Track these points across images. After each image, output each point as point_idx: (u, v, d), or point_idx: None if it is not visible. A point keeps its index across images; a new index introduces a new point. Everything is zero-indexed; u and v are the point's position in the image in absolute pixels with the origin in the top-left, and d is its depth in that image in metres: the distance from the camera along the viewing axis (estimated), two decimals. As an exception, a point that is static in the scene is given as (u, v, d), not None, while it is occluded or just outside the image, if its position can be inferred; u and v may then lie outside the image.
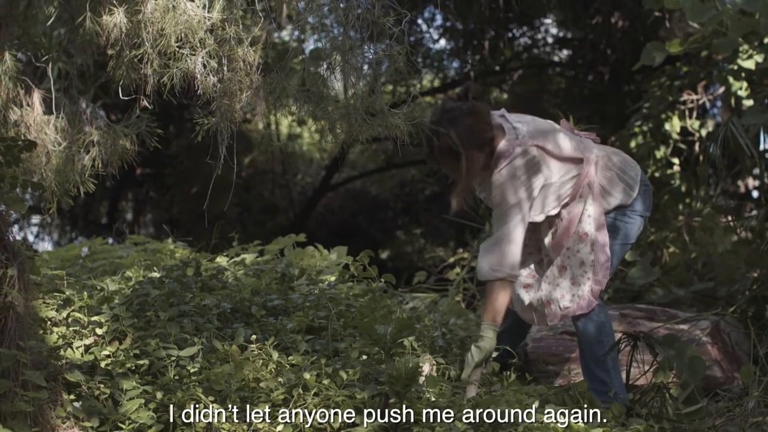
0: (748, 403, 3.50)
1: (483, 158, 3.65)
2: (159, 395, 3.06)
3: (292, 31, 10.21)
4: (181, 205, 12.48)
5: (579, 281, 3.68)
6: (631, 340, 4.02)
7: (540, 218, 3.69)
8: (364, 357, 3.54)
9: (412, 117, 3.30)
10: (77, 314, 3.46)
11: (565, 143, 3.70)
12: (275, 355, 3.36)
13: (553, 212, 3.71)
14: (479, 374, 3.60)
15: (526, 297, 3.79)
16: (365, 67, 3.38)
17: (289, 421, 3.04)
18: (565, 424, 3.10)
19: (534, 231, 3.81)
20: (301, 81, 3.42)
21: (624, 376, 3.86)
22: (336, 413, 3.06)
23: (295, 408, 3.09)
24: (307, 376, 3.18)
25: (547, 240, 3.78)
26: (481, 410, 3.15)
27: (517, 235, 3.61)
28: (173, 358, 3.29)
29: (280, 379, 3.20)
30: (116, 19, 3.21)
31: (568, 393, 3.54)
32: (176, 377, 3.21)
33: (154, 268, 4.44)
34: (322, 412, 3.06)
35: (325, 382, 3.17)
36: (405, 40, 3.26)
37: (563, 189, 3.69)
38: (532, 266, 3.87)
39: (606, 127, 8.07)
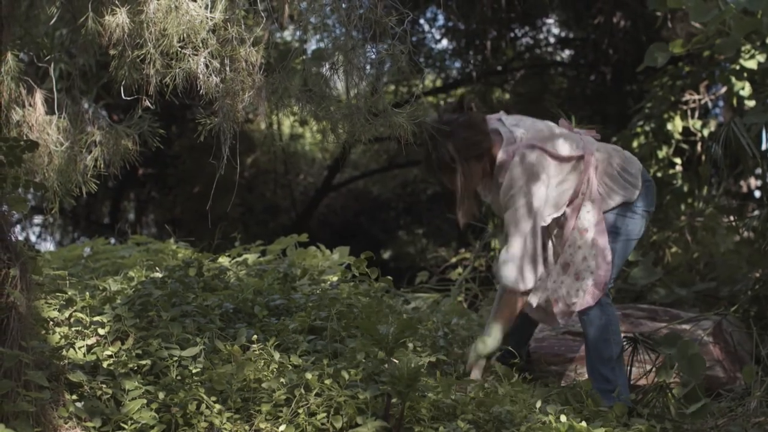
0: (751, 403, 3.50)
1: (482, 168, 3.67)
2: (161, 395, 3.06)
3: (294, 31, 10.22)
4: (183, 205, 12.49)
5: (582, 276, 3.69)
6: (631, 343, 4.02)
7: (548, 221, 3.70)
8: (366, 357, 3.54)
9: (414, 117, 3.30)
10: (79, 314, 3.46)
11: (564, 145, 3.71)
12: (277, 356, 3.36)
13: (557, 214, 3.71)
14: (482, 366, 3.63)
15: (534, 300, 3.79)
16: (367, 67, 3.38)
17: (291, 421, 3.04)
18: (568, 424, 3.10)
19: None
20: (303, 81, 3.42)
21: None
22: (338, 413, 3.06)
23: (297, 408, 3.09)
24: (309, 376, 3.18)
25: (551, 239, 3.79)
26: (485, 409, 3.16)
27: (537, 245, 3.64)
28: (175, 359, 3.29)
29: (282, 380, 3.20)
30: (118, 19, 3.21)
31: (571, 392, 3.54)
32: (178, 377, 3.21)
33: (157, 269, 4.44)
34: (324, 412, 3.06)
35: (327, 382, 3.17)
36: (407, 40, 3.26)
37: (565, 188, 3.69)
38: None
39: (608, 127, 8.06)
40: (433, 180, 3.85)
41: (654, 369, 3.94)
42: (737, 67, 5.87)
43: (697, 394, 3.55)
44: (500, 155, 3.65)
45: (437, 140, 3.59)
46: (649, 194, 3.85)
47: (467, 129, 3.63)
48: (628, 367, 3.96)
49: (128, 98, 3.45)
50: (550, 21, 10.89)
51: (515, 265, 3.64)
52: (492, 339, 3.63)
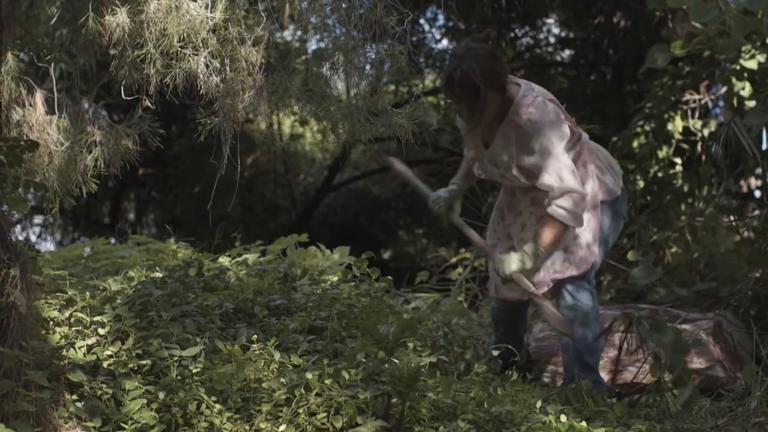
0: (751, 403, 3.49)
1: (498, 102, 3.65)
2: (161, 395, 3.06)
3: (294, 31, 10.22)
4: (184, 205, 12.50)
5: (571, 249, 3.73)
6: (627, 320, 4.04)
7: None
8: (366, 357, 3.54)
9: (414, 117, 3.30)
10: (79, 314, 3.46)
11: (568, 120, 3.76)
12: (277, 356, 3.36)
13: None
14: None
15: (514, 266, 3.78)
16: (367, 67, 3.38)
17: (291, 421, 3.04)
18: (568, 424, 3.10)
19: (515, 196, 3.85)
20: (303, 81, 3.42)
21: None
22: (338, 413, 3.06)
23: (297, 408, 3.08)
24: (309, 376, 3.18)
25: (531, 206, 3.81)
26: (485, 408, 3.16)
27: (570, 163, 3.62)
28: (175, 359, 3.28)
29: (282, 380, 3.20)
30: (119, 19, 3.22)
31: (572, 392, 3.54)
32: (178, 377, 3.21)
33: (157, 268, 4.44)
34: (324, 412, 3.06)
35: (327, 382, 3.17)
36: (407, 40, 3.26)
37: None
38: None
39: (608, 127, 8.06)
40: (450, 97, 3.78)
41: (647, 364, 3.94)
42: (737, 67, 5.87)
43: (684, 379, 3.53)
44: (521, 91, 3.66)
45: (463, 59, 3.57)
46: (625, 199, 3.94)
47: (493, 58, 3.63)
48: (618, 349, 3.98)
49: (128, 98, 3.46)
50: (550, 21, 10.89)
51: (573, 198, 3.60)
52: (530, 254, 3.65)
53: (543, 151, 3.60)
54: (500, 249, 3.88)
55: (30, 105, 3.63)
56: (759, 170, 6.04)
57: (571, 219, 3.62)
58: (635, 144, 6.99)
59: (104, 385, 3.08)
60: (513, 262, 3.64)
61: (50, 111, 3.66)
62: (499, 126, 3.69)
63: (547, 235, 3.64)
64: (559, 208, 3.61)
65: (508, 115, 3.66)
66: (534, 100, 3.64)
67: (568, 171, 3.59)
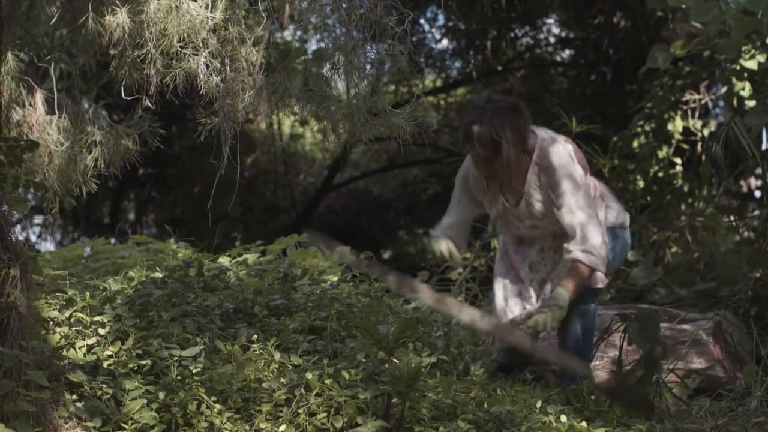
0: (751, 403, 3.49)
1: (520, 155, 3.58)
2: (161, 395, 3.06)
3: (294, 31, 10.22)
4: (184, 205, 12.50)
5: None
6: (622, 321, 4.04)
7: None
8: (366, 357, 3.53)
9: (414, 117, 3.30)
10: (80, 314, 3.46)
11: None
12: (277, 356, 3.36)
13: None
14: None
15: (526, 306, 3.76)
16: (368, 66, 3.38)
17: (291, 421, 3.04)
18: (568, 424, 3.10)
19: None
20: (303, 81, 3.42)
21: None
22: (338, 413, 3.06)
23: (297, 408, 3.08)
24: (309, 376, 3.17)
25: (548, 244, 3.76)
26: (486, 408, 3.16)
27: (597, 216, 3.59)
28: (175, 359, 3.28)
29: (282, 380, 3.20)
30: (119, 19, 3.21)
31: (572, 392, 3.54)
32: (179, 377, 3.21)
33: (157, 268, 4.44)
34: (324, 412, 3.06)
35: (327, 382, 3.17)
36: (407, 40, 3.26)
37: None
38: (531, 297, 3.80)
39: (608, 127, 8.06)
40: (467, 151, 3.67)
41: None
42: (737, 67, 5.87)
43: (647, 362, 3.51)
44: (540, 138, 3.61)
45: (483, 112, 3.51)
46: (629, 233, 3.92)
47: (515, 111, 3.56)
48: (620, 350, 3.98)
49: (128, 98, 3.45)
50: (551, 21, 10.89)
51: (603, 251, 3.55)
52: (562, 306, 3.52)
53: (569, 193, 3.55)
54: (513, 299, 3.81)
55: (30, 105, 3.63)
56: (759, 170, 6.04)
57: (597, 263, 3.56)
58: (635, 144, 6.99)
59: (104, 385, 3.08)
60: (550, 320, 3.51)
61: (50, 111, 3.66)
62: (525, 176, 3.62)
63: (572, 282, 3.55)
64: (583, 253, 3.54)
65: (533, 160, 3.59)
66: (554, 142, 3.60)
67: (594, 224, 3.54)
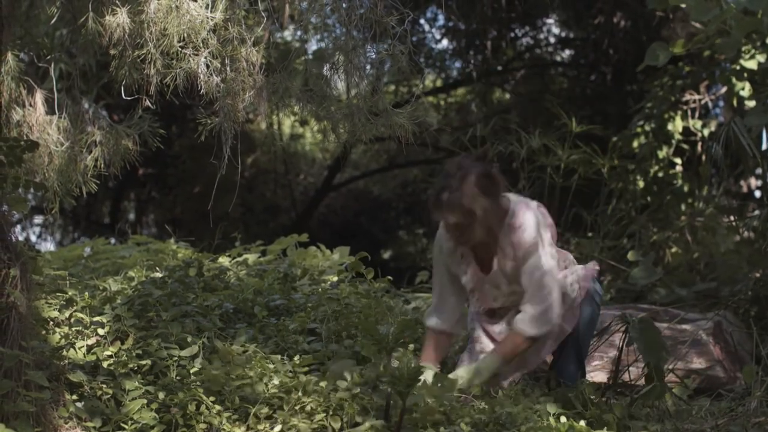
0: (751, 403, 3.49)
1: (492, 220, 3.51)
2: (161, 395, 3.06)
3: (294, 31, 10.22)
4: (184, 205, 12.50)
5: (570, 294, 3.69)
6: (624, 323, 4.03)
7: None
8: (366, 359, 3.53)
9: (414, 117, 3.29)
10: (79, 314, 3.46)
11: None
12: (276, 356, 3.35)
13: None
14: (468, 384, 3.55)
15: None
16: (368, 66, 3.38)
17: (290, 421, 3.03)
18: (568, 425, 3.10)
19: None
20: (303, 81, 3.42)
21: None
22: (338, 414, 3.05)
23: (296, 408, 3.08)
24: (308, 376, 3.17)
25: None
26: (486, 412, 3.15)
27: (556, 285, 3.56)
28: (175, 359, 3.28)
29: (281, 380, 3.20)
30: (119, 19, 3.21)
31: (573, 394, 3.53)
32: (178, 378, 3.21)
33: (157, 269, 4.44)
34: (323, 412, 3.05)
35: (323, 384, 3.17)
36: (407, 40, 3.26)
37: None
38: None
39: (608, 127, 8.07)
40: (437, 218, 3.57)
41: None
42: (737, 67, 5.87)
43: (654, 375, 3.51)
44: (513, 203, 3.57)
45: (452, 179, 3.43)
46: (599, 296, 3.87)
47: (487, 178, 3.48)
48: (619, 351, 3.97)
49: (128, 98, 3.45)
50: (551, 21, 10.90)
51: (541, 313, 3.52)
52: (488, 370, 3.50)
53: (535, 266, 3.52)
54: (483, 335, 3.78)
55: (30, 105, 3.63)
56: (759, 170, 6.04)
57: (539, 333, 3.53)
58: (635, 144, 6.99)
59: (104, 386, 3.08)
60: (466, 384, 3.45)
61: (50, 111, 3.66)
62: (497, 241, 3.56)
63: (506, 350, 3.53)
64: (526, 325, 3.52)
65: (505, 225, 3.54)
66: (527, 208, 3.56)
67: (550, 292, 3.52)
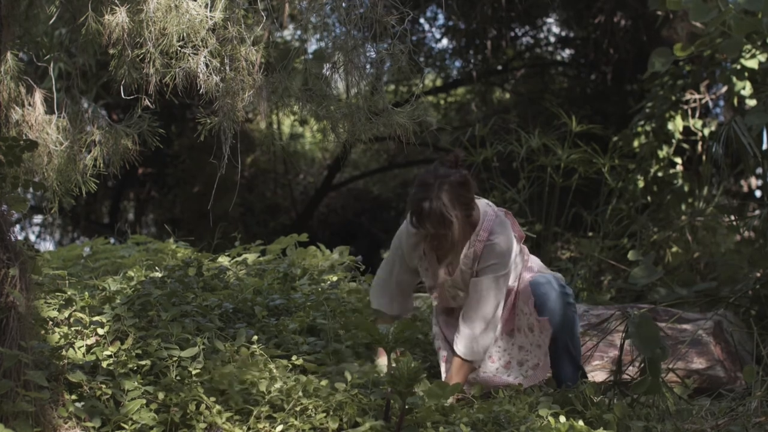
0: (751, 403, 3.48)
1: (466, 228, 3.58)
2: (161, 396, 3.05)
3: (294, 30, 10.21)
4: (183, 204, 12.49)
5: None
6: (624, 317, 4.02)
7: (513, 284, 3.71)
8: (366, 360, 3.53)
9: (414, 116, 3.29)
10: (79, 314, 3.45)
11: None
12: (276, 356, 3.35)
13: (514, 283, 3.72)
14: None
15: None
16: (368, 66, 3.37)
17: (290, 421, 3.03)
18: (568, 424, 3.09)
19: None
20: (303, 80, 3.42)
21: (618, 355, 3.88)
22: (338, 414, 3.05)
23: (296, 408, 3.08)
24: (308, 376, 3.16)
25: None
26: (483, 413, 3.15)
27: (498, 314, 3.61)
28: (175, 359, 3.28)
29: (281, 381, 3.19)
30: (118, 18, 3.21)
31: (573, 394, 3.53)
32: (178, 378, 3.20)
33: (156, 268, 4.43)
34: (323, 412, 3.05)
35: (324, 383, 3.16)
36: (407, 40, 3.25)
37: (518, 261, 3.71)
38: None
39: (608, 126, 8.06)
40: (417, 228, 3.63)
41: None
42: (738, 67, 5.87)
43: (649, 369, 3.50)
44: (482, 212, 3.62)
45: (431, 189, 3.48)
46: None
47: (463, 186, 3.54)
48: (620, 348, 3.96)
49: (128, 97, 3.45)
50: (551, 20, 10.90)
51: (476, 334, 3.58)
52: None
53: (488, 286, 3.57)
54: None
55: (29, 104, 3.62)
56: (759, 170, 6.04)
57: (469, 356, 3.59)
58: (636, 144, 6.99)
59: (104, 386, 3.07)
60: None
61: (49, 110, 3.65)
62: (464, 248, 3.63)
63: (453, 376, 3.58)
64: (462, 347, 3.58)
65: (475, 232, 3.60)
66: (495, 217, 3.61)
67: (488, 337, 3.58)
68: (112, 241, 6.78)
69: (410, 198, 3.57)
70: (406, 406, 3.02)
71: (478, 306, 3.59)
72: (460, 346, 3.59)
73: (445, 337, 3.80)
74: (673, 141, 6.87)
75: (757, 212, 5.76)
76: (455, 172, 3.55)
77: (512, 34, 10.74)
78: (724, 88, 6.69)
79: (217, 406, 3.05)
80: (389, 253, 3.84)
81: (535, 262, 3.85)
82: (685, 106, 6.88)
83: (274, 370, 3.27)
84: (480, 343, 3.59)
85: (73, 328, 3.40)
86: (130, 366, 3.22)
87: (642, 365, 3.56)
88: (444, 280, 3.69)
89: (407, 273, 3.79)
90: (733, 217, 6.30)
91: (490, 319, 3.59)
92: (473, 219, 3.60)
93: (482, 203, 3.68)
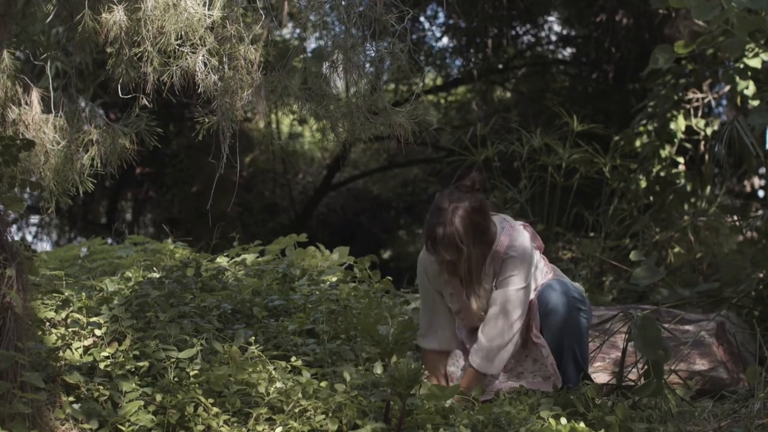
0: (754, 405, 3.47)
1: (483, 251, 3.53)
2: (159, 397, 3.04)
3: (293, 29, 10.20)
4: (181, 204, 12.48)
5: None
6: (627, 318, 4.00)
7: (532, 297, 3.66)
8: (366, 357, 3.51)
9: (414, 115, 3.27)
10: (76, 315, 3.44)
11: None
12: (275, 358, 3.33)
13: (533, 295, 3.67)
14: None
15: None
16: (367, 65, 3.36)
17: (289, 423, 3.01)
18: (569, 426, 3.07)
19: None
20: (302, 79, 3.40)
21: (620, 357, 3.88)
22: (337, 415, 3.03)
23: (295, 410, 3.06)
24: (307, 378, 3.14)
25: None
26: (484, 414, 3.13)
27: (516, 327, 3.55)
28: (173, 360, 3.26)
29: (280, 382, 3.18)
30: (116, 16, 3.19)
31: (575, 396, 3.51)
32: (176, 379, 3.18)
33: (154, 269, 4.42)
34: (323, 414, 3.03)
35: (323, 384, 3.14)
36: (407, 38, 3.24)
37: (537, 275, 3.67)
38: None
39: (610, 126, 8.05)
40: (434, 255, 3.58)
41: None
42: (741, 66, 5.85)
43: (653, 371, 3.48)
44: (499, 228, 3.57)
45: (445, 214, 3.42)
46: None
47: (478, 212, 3.47)
48: (623, 349, 3.94)
49: (125, 96, 3.43)
50: (552, 19, 10.89)
51: (496, 350, 3.52)
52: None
53: (511, 298, 3.52)
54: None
55: (26, 103, 3.61)
56: (762, 170, 6.03)
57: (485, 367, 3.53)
58: (638, 143, 6.98)
59: (101, 387, 3.06)
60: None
61: (46, 110, 3.64)
62: (484, 269, 3.57)
63: (470, 385, 3.51)
64: (478, 359, 3.53)
65: (492, 252, 3.55)
66: (513, 231, 3.56)
67: (511, 345, 3.53)
68: (109, 241, 6.77)
69: (425, 223, 3.53)
70: (406, 408, 3.00)
71: (497, 319, 3.54)
72: (475, 358, 3.54)
73: (464, 345, 3.76)
74: (676, 140, 6.86)
75: (760, 212, 5.75)
76: (470, 196, 3.48)
77: (513, 32, 10.73)
78: (727, 88, 6.68)
79: (215, 408, 3.03)
80: (421, 296, 3.77)
81: (556, 272, 3.81)
82: (688, 106, 6.87)
83: (273, 372, 3.25)
84: (498, 357, 3.54)
85: (70, 329, 3.38)
86: (128, 367, 3.21)
87: (645, 367, 3.54)
88: (478, 308, 3.64)
89: (443, 303, 3.71)
90: (735, 218, 6.28)
91: (510, 333, 3.55)
92: (490, 237, 3.55)
93: (498, 219, 3.63)
